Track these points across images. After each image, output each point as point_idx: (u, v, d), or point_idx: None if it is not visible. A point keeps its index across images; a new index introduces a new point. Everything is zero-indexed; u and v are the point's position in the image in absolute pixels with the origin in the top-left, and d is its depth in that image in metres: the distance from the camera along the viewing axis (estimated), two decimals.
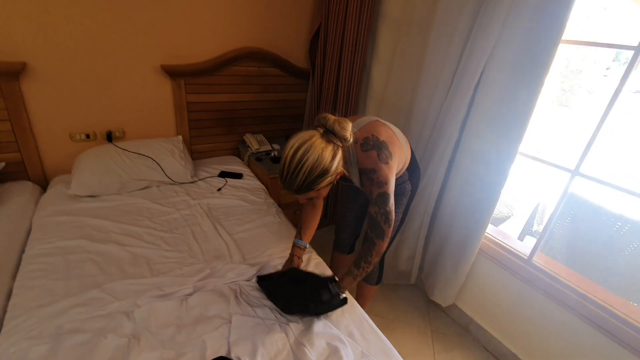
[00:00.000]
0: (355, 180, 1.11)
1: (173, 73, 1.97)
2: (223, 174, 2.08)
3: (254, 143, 2.27)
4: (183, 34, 1.95)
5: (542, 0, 1.18)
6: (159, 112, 2.07)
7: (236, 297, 1.17)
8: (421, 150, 1.74)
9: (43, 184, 1.84)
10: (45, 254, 1.29)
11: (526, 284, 1.48)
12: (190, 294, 1.17)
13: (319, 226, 2.50)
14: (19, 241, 1.37)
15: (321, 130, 0.94)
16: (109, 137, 1.94)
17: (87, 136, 1.90)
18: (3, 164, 1.67)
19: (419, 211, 1.77)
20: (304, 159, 0.89)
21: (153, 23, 1.84)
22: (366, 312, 1.83)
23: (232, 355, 0.95)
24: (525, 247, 1.54)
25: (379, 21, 1.95)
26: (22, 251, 1.33)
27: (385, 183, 1.03)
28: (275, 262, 1.38)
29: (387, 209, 1.05)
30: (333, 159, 0.92)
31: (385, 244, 1.10)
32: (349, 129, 0.96)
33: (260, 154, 2.26)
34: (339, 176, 1.00)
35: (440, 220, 1.76)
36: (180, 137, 2.13)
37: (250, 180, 2.06)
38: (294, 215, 2.21)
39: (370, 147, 1.05)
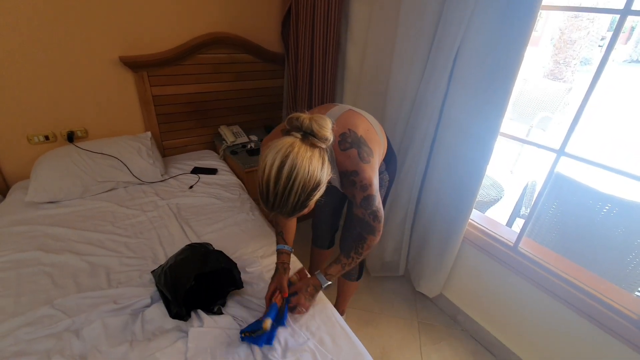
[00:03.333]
0: (336, 183, 1.01)
1: (134, 65, 1.84)
2: (196, 170, 1.97)
3: (229, 135, 2.16)
4: (141, 21, 1.81)
5: None
6: (123, 107, 1.94)
7: None
8: (400, 132, 1.63)
9: (3, 191, 1.74)
10: None
11: (513, 271, 1.40)
12: (148, 306, 1.09)
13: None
14: None
15: (299, 135, 0.79)
16: (70, 138, 1.83)
17: (46, 137, 1.78)
18: None
19: (403, 199, 1.68)
20: (293, 177, 0.73)
21: (107, 11, 1.70)
22: (350, 306, 1.79)
23: None
24: (511, 233, 1.45)
25: None
26: None
27: (369, 185, 0.93)
28: (245, 263, 1.30)
29: (374, 208, 0.97)
30: (323, 166, 0.78)
31: (377, 238, 1.04)
32: (328, 127, 0.81)
33: (236, 147, 2.15)
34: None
35: (424, 207, 1.67)
36: (149, 133, 2.01)
37: (225, 176, 1.96)
38: None
39: (349, 145, 0.93)
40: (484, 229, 1.50)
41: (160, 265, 1.18)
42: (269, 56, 2.24)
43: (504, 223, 1.61)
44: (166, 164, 2.02)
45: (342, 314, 1.68)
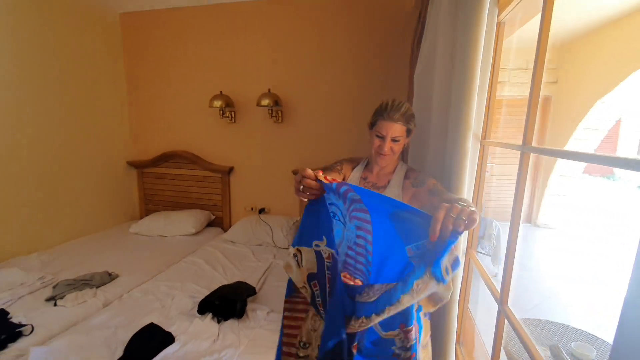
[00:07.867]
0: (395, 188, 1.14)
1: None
2: None
3: None
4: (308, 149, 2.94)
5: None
6: (290, 197, 3.07)
7: None
8: None
9: (226, 229, 3.20)
10: (185, 262, 2.42)
11: None
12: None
13: None
14: (184, 254, 2.61)
15: None
16: (261, 210, 3.11)
17: (252, 209, 3.16)
18: (214, 217, 3.18)
19: None
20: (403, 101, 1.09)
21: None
22: None
23: None
24: None
25: None
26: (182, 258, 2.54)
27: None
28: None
29: None
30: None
31: None
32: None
33: None
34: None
35: None
36: (298, 218, 2.99)
37: None
38: None
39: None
40: None
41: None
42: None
43: None
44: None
45: None
